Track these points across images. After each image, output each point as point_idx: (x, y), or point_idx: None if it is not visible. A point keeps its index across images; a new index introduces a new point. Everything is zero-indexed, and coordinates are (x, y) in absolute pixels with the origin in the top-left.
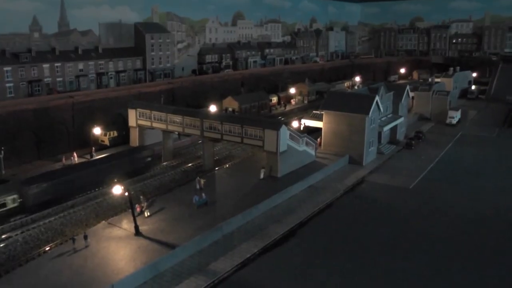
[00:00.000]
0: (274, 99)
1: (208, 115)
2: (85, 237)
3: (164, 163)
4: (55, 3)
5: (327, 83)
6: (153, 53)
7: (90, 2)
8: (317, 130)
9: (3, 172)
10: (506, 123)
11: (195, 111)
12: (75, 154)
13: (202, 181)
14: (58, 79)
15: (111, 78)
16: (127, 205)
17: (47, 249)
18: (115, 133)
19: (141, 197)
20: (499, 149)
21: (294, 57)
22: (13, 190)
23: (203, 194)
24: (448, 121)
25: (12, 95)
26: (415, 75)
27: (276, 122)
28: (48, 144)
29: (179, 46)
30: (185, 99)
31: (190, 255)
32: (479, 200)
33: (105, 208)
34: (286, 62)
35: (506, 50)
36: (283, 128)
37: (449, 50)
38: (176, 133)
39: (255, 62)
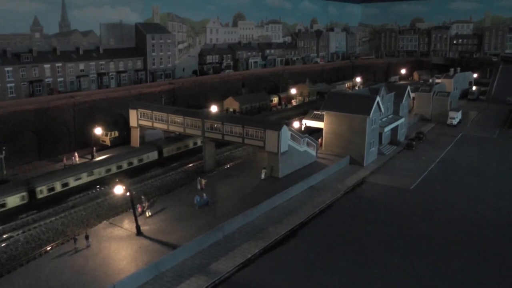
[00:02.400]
0: (275, 100)
1: (209, 116)
2: (87, 237)
3: None
4: (56, 4)
5: (327, 84)
6: (154, 54)
7: (91, 2)
8: (318, 131)
9: (5, 172)
10: (506, 124)
11: (196, 111)
12: (76, 155)
13: (203, 182)
14: (59, 79)
15: (112, 78)
16: (128, 205)
17: (48, 249)
18: (116, 133)
19: (143, 197)
20: (499, 150)
21: (294, 58)
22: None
23: (204, 195)
24: (448, 122)
25: (13, 95)
26: (415, 76)
27: (277, 122)
28: (49, 144)
29: (180, 46)
30: (185, 100)
31: (191, 255)
32: (480, 201)
33: (106, 208)
34: (287, 62)
35: (507, 51)
36: (284, 128)
37: (449, 51)
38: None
39: (255, 62)
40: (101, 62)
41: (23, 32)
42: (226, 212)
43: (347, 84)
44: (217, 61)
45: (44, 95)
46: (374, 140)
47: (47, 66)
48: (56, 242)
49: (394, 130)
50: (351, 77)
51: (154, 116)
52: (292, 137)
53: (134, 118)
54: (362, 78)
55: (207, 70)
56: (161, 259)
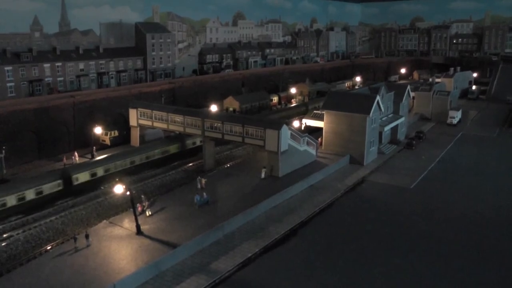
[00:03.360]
0: (275, 99)
1: (210, 115)
2: (87, 236)
3: None
4: (56, 3)
5: (327, 83)
6: (153, 53)
7: (91, 2)
8: (318, 130)
9: (5, 171)
10: (506, 123)
11: (196, 111)
12: (76, 154)
13: (203, 181)
14: (59, 78)
15: (112, 77)
16: (129, 204)
17: (48, 248)
18: (116, 133)
19: (143, 196)
20: (499, 149)
21: (294, 57)
22: None
23: (204, 194)
24: (448, 121)
25: (13, 94)
26: (415, 75)
27: (277, 121)
28: (48, 144)
29: (180, 46)
30: (185, 99)
31: (191, 255)
32: (479, 200)
33: (106, 207)
34: (287, 62)
35: (507, 50)
36: (284, 127)
37: (449, 50)
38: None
39: (255, 62)
40: (101, 62)
41: (23, 32)
42: (226, 211)
43: (347, 84)
44: (217, 60)
45: (44, 94)
46: (374, 139)
47: (47, 65)
48: (56, 241)
49: (394, 129)
50: (351, 77)
51: (154, 115)
52: (292, 136)
53: (134, 117)
54: (362, 77)
55: (207, 69)
56: (161, 258)
